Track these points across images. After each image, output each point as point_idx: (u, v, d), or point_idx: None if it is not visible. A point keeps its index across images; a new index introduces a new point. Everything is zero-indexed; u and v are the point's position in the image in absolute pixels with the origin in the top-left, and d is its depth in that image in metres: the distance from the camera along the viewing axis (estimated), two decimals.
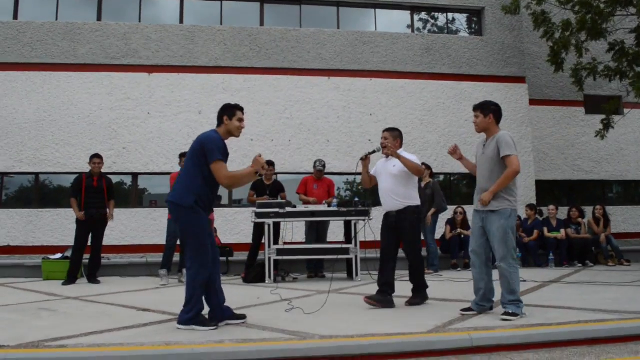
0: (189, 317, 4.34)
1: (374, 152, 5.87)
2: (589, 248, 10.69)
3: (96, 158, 8.55)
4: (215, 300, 4.55)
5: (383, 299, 5.44)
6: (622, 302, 5.35)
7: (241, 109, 4.70)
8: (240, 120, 4.64)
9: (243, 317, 4.65)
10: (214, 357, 3.57)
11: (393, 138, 5.71)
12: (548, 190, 15.23)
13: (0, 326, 4.55)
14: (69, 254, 8.68)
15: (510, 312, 4.59)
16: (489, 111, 4.97)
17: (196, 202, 4.40)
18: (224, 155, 4.51)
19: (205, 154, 4.40)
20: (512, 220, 4.77)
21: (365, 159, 5.78)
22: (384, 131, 5.86)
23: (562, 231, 10.66)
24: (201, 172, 4.43)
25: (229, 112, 4.64)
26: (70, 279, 8.18)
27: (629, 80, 11.70)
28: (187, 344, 3.79)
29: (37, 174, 12.65)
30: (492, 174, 4.84)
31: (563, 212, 12.58)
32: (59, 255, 9.06)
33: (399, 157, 5.44)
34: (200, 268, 4.39)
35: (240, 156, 12.66)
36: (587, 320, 4.37)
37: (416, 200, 5.69)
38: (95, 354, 3.55)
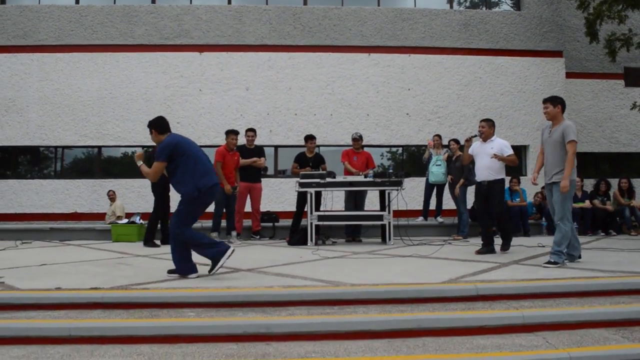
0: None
1: (475, 136, 7.62)
2: (613, 218, 11.03)
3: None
4: None
5: (488, 248, 7.26)
6: (622, 265, 5.97)
7: None
8: None
9: None
10: (264, 298, 4.44)
11: (488, 127, 7.40)
12: (585, 162, 15.56)
13: (90, 275, 5.56)
14: (134, 219, 9.80)
15: (552, 260, 5.87)
16: (557, 102, 6.20)
17: None
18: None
19: None
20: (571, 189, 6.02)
21: (469, 141, 7.67)
22: (481, 121, 7.56)
23: (587, 201, 11.12)
24: None
25: None
26: (150, 242, 8.76)
27: None
28: (243, 287, 4.70)
29: (99, 147, 13.87)
30: (555, 154, 6.09)
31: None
32: (125, 221, 10.21)
33: (503, 159, 7.17)
34: None
35: (285, 130, 13.55)
36: (580, 277, 5.09)
37: (503, 175, 7.37)
38: (173, 294, 4.49)
